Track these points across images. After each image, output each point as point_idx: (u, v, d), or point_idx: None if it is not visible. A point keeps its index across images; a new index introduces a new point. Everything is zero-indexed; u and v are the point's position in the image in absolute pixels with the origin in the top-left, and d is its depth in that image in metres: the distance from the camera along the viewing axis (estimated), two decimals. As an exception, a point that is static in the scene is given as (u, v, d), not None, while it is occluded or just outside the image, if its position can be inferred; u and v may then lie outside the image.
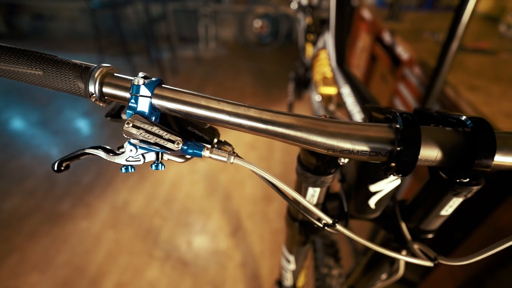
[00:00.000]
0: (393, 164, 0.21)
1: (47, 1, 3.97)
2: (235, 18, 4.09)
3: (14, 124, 2.47)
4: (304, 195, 0.36)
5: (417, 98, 1.23)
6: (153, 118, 0.24)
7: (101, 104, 0.24)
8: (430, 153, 0.21)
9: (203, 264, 1.45)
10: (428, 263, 0.32)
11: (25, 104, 2.72)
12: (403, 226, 0.37)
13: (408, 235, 0.36)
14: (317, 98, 0.81)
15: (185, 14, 4.03)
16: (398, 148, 0.21)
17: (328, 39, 0.64)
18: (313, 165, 0.32)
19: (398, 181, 0.34)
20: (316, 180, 0.33)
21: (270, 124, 0.22)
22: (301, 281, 0.61)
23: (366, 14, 2.00)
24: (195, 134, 0.27)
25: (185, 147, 0.22)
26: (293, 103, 1.21)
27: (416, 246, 0.35)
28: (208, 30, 4.04)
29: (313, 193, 0.35)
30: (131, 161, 0.23)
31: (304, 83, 1.09)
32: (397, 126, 0.21)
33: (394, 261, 0.44)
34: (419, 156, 0.21)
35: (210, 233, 1.60)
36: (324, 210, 0.40)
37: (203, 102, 0.22)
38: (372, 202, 0.36)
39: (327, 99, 0.81)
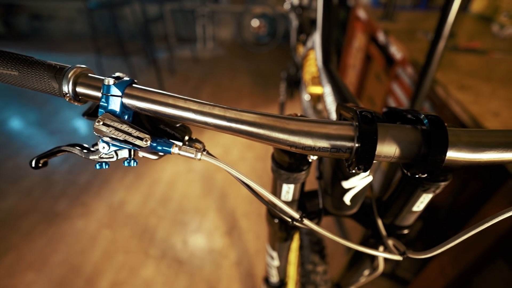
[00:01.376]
0: (354, 160, 0.22)
1: (45, 2, 3.98)
2: (233, 18, 4.10)
3: (11, 124, 2.48)
4: (279, 192, 0.37)
5: (410, 97, 1.23)
6: (126, 117, 0.25)
7: (76, 103, 0.25)
8: (388, 149, 0.22)
9: (198, 263, 1.46)
10: (397, 257, 0.33)
11: (23, 104, 2.72)
12: (379, 222, 0.38)
13: (383, 231, 0.37)
14: (306, 97, 0.82)
15: (182, 14, 4.04)
16: (357, 145, 0.22)
17: (316, 39, 0.64)
18: (286, 163, 0.33)
19: (370, 178, 0.34)
20: (289, 177, 0.34)
21: (233, 122, 0.23)
22: (290, 277, 0.62)
23: (362, 14, 2.01)
24: (167, 132, 0.28)
25: (154, 144, 0.23)
26: (284, 103, 1.22)
27: (390, 242, 0.36)
28: (206, 30, 4.05)
29: (288, 190, 0.36)
30: (105, 158, 0.24)
31: (295, 82, 1.10)
32: (356, 123, 0.22)
33: (374, 257, 0.45)
34: (377, 152, 0.22)
35: (205, 232, 1.61)
36: (301, 206, 0.41)
37: (170, 101, 0.23)
38: (347, 198, 0.37)
39: (315, 98, 0.82)
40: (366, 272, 0.48)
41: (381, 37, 1.58)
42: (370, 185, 0.35)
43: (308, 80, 0.78)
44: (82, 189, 1.84)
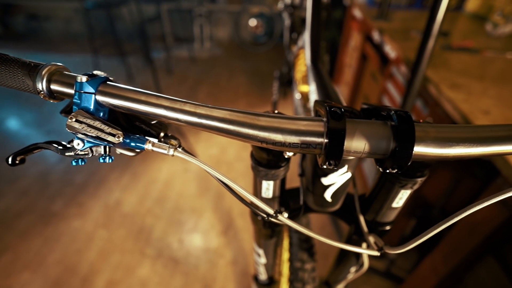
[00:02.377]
0: (324, 156, 0.22)
1: (42, 2, 3.97)
2: (230, 18, 4.10)
3: (8, 124, 2.48)
4: (259, 188, 0.37)
5: (403, 95, 1.24)
6: (101, 114, 0.25)
7: (51, 101, 0.26)
8: (358, 144, 0.22)
9: (194, 262, 1.46)
10: (375, 253, 0.34)
11: (19, 105, 2.72)
12: (361, 219, 0.38)
13: (365, 227, 0.38)
14: (297, 96, 0.82)
15: (179, 14, 4.04)
16: (326, 140, 0.22)
17: (305, 37, 0.65)
18: (264, 159, 0.33)
19: (349, 175, 0.35)
20: (267, 174, 0.34)
21: (204, 118, 0.23)
22: (284, 275, 0.62)
23: (357, 13, 2.01)
24: (142, 129, 0.28)
25: (128, 141, 0.24)
26: (277, 102, 1.22)
27: (371, 238, 0.36)
28: (203, 30, 4.05)
29: (268, 187, 0.36)
30: (80, 154, 0.24)
31: (288, 81, 1.10)
32: (325, 119, 0.22)
33: (359, 254, 0.45)
34: (346, 148, 0.22)
35: (201, 231, 1.61)
36: (284, 203, 0.41)
37: (142, 97, 0.24)
38: (327, 195, 0.37)
39: (306, 97, 0.83)
40: (353, 269, 0.49)
41: (376, 36, 1.58)
42: (353, 182, 0.36)
43: (299, 79, 0.78)
44: (78, 189, 1.84)
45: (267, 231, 0.44)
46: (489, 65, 1.14)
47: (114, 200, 1.77)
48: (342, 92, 2.50)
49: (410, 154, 0.21)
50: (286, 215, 0.42)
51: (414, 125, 0.21)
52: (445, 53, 1.24)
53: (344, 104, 0.37)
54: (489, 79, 1.02)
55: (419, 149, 0.22)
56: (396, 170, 0.23)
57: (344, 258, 0.47)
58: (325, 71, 0.54)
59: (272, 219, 0.30)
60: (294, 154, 0.34)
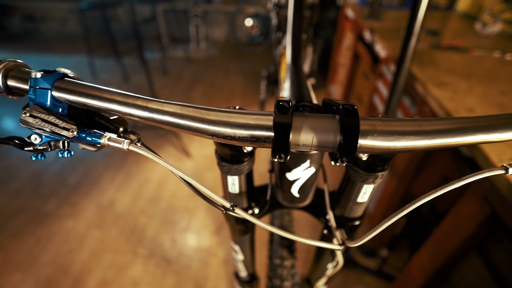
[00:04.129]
0: (272, 149, 0.23)
1: (38, 2, 3.97)
2: (226, 18, 4.10)
3: (1, 124, 2.48)
4: (225, 184, 0.38)
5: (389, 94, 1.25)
6: (60, 110, 0.26)
7: (10, 97, 0.26)
8: (305, 138, 0.23)
9: (186, 262, 1.47)
10: (337, 247, 0.34)
11: (14, 105, 2.72)
12: (330, 214, 0.38)
13: (333, 223, 0.38)
14: (281, 94, 0.83)
15: (175, 15, 4.04)
16: (273, 134, 0.22)
17: (287, 36, 0.65)
18: (226, 154, 0.33)
19: (313, 170, 0.35)
20: (231, 169, 0.34)
21: (155, 113, 0.23)
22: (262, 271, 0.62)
23: (350, 13, 2.02)
24: (102, 124, 0.29)
25: (83, 135, 0.24)
26: (265, 101, 1.22)
27: (337, 233, 0.37)
28: (199, 31, 4.05)
29: (233, 182, 0.37)
30: (39, 149, 0.25)
31: (275, 80, 1.10)
32: (274, 114, 0.23)
33: (334, 251, 0.45)
34: (294, 141, 0.23)
35: (194, 231, 1.62)
36: (253, 198, 0.41)
37: (96, 93, 0.24)
38: (294, 190, 0.37)
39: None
40: (330, 265, 0.49)
41: (367, 35, 1.59)
42: (324, 178, 0.36)
43: (283, 78, 0.78)
44: (72, 189, 1.84)
45: (241, 227, 0.44)
46: (476, 63, 1.14)
47: (108, 200, 1.78)
48: (336, 92, 2.51)
49: (355, 147, 0.22)
50: (257, 210, 0.42)
51: (359, 119, 0.22)
52: (434, 52, 1.24)
53: (315, 102, 0.37)
54: (475, 77, 1.03)
55: (365, 142, 0.22)
56: (345, 163, 0.23)
57: (321, 255, 0.48)
58: (302, 69, 0.55)
59: (230, 213, 0.30)
60: (254, 149, 0.34)
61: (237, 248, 0.49)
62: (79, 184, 1.88)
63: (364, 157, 0.30)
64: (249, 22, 3.92)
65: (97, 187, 1.87)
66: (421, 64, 1.12)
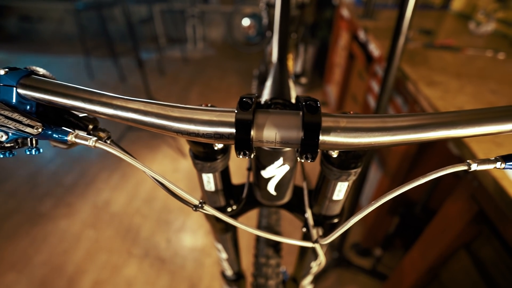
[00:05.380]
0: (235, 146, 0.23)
1: (35, 3, 3.97)
2: (223, 18, 4.10)
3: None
4: (201, 181, 0.38)
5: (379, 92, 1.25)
6: (28, 107, 0.26)
7: None
8: (269, 134, 0.23)
9: (181, 262, 1.47)
10: (309, 244, 0.34)
11: None
12: (308, 212, 0.38)
13: (311, 221, 0.38)
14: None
15: (172, 15, 4.04)
16: (234, 131, 0.22)
17: (274, 36, 0.65)
18: (200, 152, 0.34)
19: (287, 167, 0.35)
20: (204, 166, 0.34)
21: (120, 110, 0.23)
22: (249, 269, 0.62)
23: (345, 12, 2.02)
24: (71, 121, 0.29)
25: (50, 132, 0.24)
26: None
27: (314, 231, 0.37)
28: (196, 31, 4.05)
29: (208, 180, 0.37)
30: (7, 146, 0.25)
31: (266, 79, 1.11)
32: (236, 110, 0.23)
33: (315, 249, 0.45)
34: (257, 138, 0.23)
35: (189, 231, 1.61)
36: (229, 196, 0.41)
37: (61, 90, 0.24)
38: (270, 188, 0.38)
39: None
40: (313, 263, 0.49)
41: (361, 35, 1.59)
42: (303, 175, 0.36)
43: (271, 77, 0.78)
44: (67, 190, 1.84)
45: (221, 225, 0.44)
46: (468, 63, 1.15)
47: (103, 200, 1.77)
48: (333, 92, 2.51)
49: (316, 143, 0.22)
50: (235, 207, 0.42)
51: (320, 115, 0.22)
52: (427, 51, 1.24)
53: (293, 101, 0.37)
54: (467, 76, 1.03)
55: (328, 138, 0.22)
56: (310, 159, 0.23)
57: (304, 254, 0.48)
58: (288, 68, 0.55)
59: (199, 210, 0.30)
60: (228, 146, 0.34)
61: (219, 246, 0.49)
62: (75, 185, 1.88)
63: (335, 154, 0.30)
64: (246, 22, 3.91)
65: (92, 187, 1.86)
66: (413, 63, 1.13)
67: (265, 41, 1.03)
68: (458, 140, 0.75)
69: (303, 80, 1.16)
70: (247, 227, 0.30)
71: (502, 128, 0.21)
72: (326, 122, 0.22)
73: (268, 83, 0.45)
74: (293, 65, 0.80)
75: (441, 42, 1.32)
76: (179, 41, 4.14)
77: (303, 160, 0.23)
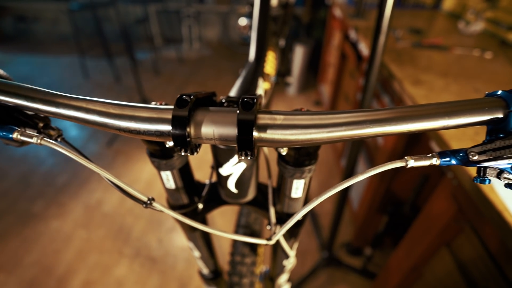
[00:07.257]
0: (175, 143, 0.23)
1: (30, 3, 3.96)
2: (219, 18, 4.10)
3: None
4: (162, 179, 0.38)
5: (375, 93, 1.25)
6: (-23, 106, 0.26)
7: None
8: (206, 131, 0.23)
9: (171, 261, 1.47)
10: (263, 242, 0.34)
11: None
12: (271, 210, 0.38)
13: (272, 218, 0.38)
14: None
15: (168, 15, 4.04)
16: (171, 128, 0.23)
17: (252, 34, 0.66)
18: (154, 150, 0.34)
19: (243, 164, 0.35)
20: (160, 164, 0.35)
21: (62, 108, 0.24)
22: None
23: (338, 12, 2.03)
24: (20, 119, 0.29)
25: (-7, 130, 0.24)
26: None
27: (276, 228, 0.37)
28: (192, 31, 4.05)
29: (167, 177, 0.37)
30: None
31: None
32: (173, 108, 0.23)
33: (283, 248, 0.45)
34: (195, 135, 0.23)
35: (180, 230, 1.61)
36: (193, 194, 0.41)
37: (3, 87, 0.24)
38: (231, 186, 0.38)
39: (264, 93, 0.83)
40: (285, 262, 0.49)
41: (352, 34, 1.59)
42: (268, 173, 0.36)
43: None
44: (59, 190, 1.84)
45: (186, 223, 0.44)
46: (455, 62, 1.15)
47: (95, 200, 1.77)
48: (326, 91, 2.51)
49: (250, 139, 0.22)
50: (201, 206, 0.43)
51: (255, 112, 0.22)
52: (415, 50, 1.25)
53: (258, 99, 0.37)
54: (452, 75, 1.03)
55: (265, 135, 0.22)
56: (249, 156, 0.23)
57: (276, 253, 0.48)
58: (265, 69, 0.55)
59: (149, 207, 0.30)
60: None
61: (191, 245, 0.49)
62: (67, 185, 1.88)
63: (283, 151, 0.30)
64: (242, 21, 3.91)
65: (85, 187, 1.86)
66: (401, 62, 1.13)
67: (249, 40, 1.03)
68: (434, 134, 0.75)
69: (290, 79, 1.16)
70: (198, 224, 0.30)
71: (433, 124, 0.22)
72: (262, 119, 0.23)
73: (238, 82, 0.45)
74: (276, 64, 0.80)
75: (429, 41, 1.32)
76: (174, 41, 4.14)
77: (242, 157, 0.23)
